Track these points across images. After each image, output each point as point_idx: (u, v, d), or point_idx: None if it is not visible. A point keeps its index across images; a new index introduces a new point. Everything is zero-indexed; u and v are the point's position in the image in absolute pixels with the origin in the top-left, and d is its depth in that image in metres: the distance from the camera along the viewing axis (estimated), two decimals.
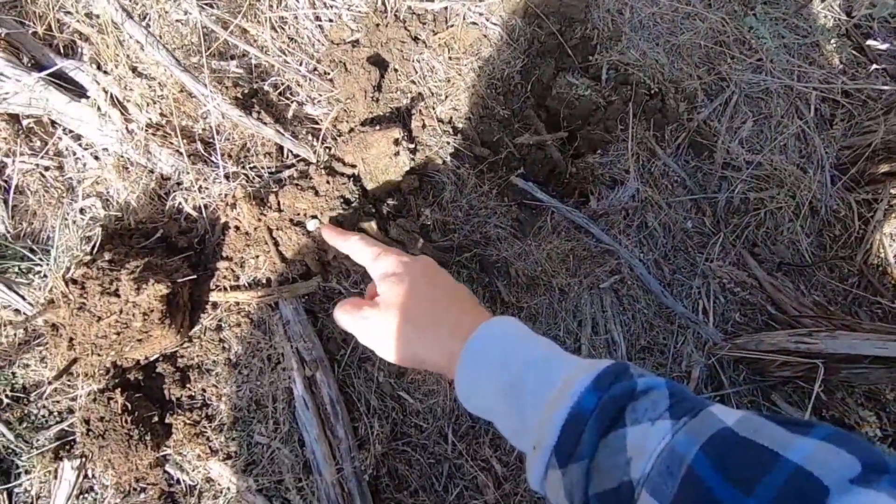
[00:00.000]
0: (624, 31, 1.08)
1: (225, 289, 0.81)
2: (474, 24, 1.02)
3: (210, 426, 0.77)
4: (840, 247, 1.03)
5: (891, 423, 0.89)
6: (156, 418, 0.75)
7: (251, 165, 0.85)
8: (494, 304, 0.88)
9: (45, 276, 0.79)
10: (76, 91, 0.83)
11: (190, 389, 0.78)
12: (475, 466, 0.80)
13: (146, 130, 0.82)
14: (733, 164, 1.03)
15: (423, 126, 0.93)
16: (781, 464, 0.27)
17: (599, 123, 1.03)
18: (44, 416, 0.78)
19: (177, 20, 0.89)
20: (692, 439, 0.29)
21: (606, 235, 0.94)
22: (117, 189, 0.83)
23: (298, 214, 0.82)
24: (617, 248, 0.94)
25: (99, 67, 0.84)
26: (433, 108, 0.96)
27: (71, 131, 0.84)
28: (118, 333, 0.70)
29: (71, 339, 0.70)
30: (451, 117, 0.97)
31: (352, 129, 0.91)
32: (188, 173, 0.82)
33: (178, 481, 0.77)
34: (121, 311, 0.69)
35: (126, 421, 0.71)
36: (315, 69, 0.94)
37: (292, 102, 0.91)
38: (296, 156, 0.88)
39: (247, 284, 0.81)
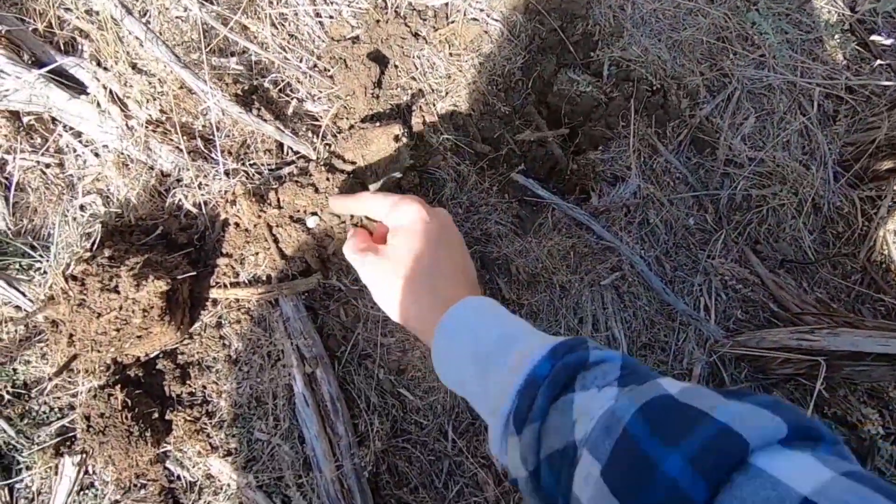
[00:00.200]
0: (626, 27, 1.08)
1: (225, 285, 0.81)
2: (475, 20, 1.01)
3: (210, 423, 0.77)
4: (843, 244, 1.02)
5: (893, 420, 0.88)
6: (156, 415, 0.75)
7: (251, 162, 0.85)
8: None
9: (45, 272, 0.79)
10: (76, 88, 0.83)
11: (190, 386, 0.78)
12: (475, 463, 0.80)
13: (146, 127, 0.82)
14: (735, 160, 1.03)
15: (424, 123, 0.93)
16: (708, 422, 0.28)
17: (601, 120, 1.02)
18: (44, 413, 0.78)
19: (176, 16, 0.89)
20: (632, 403, 0.31)
21: (607, 232, 0.94)
22: (117, 186, 0.83)
23: (298, 211, 0.82)
24: (618, 245, 0.93)
25: (99, 64, 0.84)
26: (434, 105, 0.96)
27: (71, 128, 0.84)
28: (118, 330, 0.70)
29: (71, 336, 0.70)
30: (452, 114, 0.97)
31: (352, 126, 0.91)
32: (188, 170, 0.82)
33: (178, 477, 0.77)
34: (121, 308, 0.69)
35: (126, 417, 0.72)
36: (315, 66, 0.93)
37: (292, 99, 0.91)
38: (296, 152, 0.88)
39: (247, 281, 0.81)
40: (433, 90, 0.97)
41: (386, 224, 0.51)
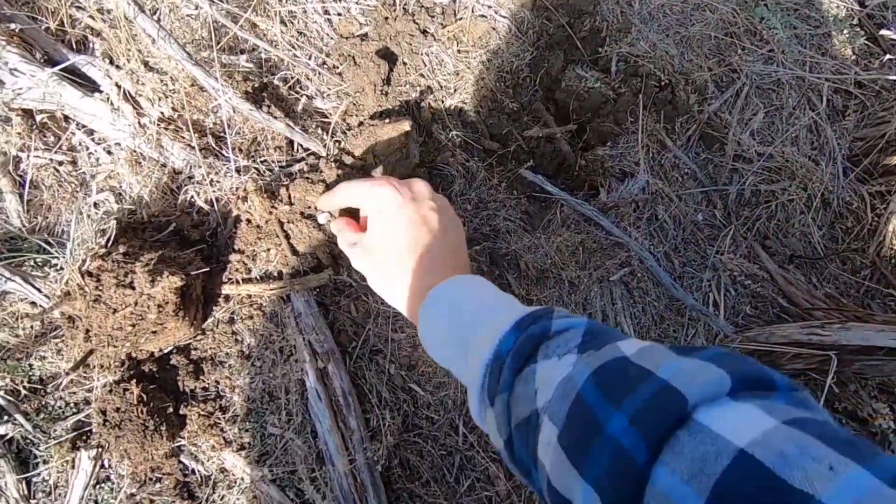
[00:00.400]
0: (633, 23, 1.08)
1: (237, 282, 0.81)
2: (483, 16, 1.01)
3: (224, 417, 0.78)
4: (852, 239, 1.02)
5: None
6: (170, 409, 0.76)
7: (262, 159, 0.86)
8: None
9: (60, 268, 0.80)
10: (89, 86, 0.84)
11: (203, 381, 0.79)
12: (486, 458, 0.80)
13: (158, 125, 0.83)
14: (744, 156, 1.02)
15: (433, 119, 0.94)
16: (651, 380, 0.28)
17: (609, 116, 1.02)
18: (61, 407, 0.79)
19: (187, 14, 0.90)
20: (587, 367, 0.31)
21: (616, 228, 0.94)
22: (130, 183, 0.83)
23: (309, 207, 0.83)
24: (627, 241, 0.93)
25: (111, 62, 0.85)
26: (442, 102, 0.96)
27: (84, 126, 0.85)
28: (133, 325, 0.71)
29: (87, 331, 0.71)
30: (461, 110, 0.97)
31: (361, 123, 0.91)
32: (200, 167, 0.82)
33: (192, 471, 0.78)
34: (136, 304, 0.70)
35: (141, 412, 0.72)
36: (324, 63, 0.94)
37: (302, 96, 0.91)
38: (306, 149, 0.89)
39: (259, 277, 0.82)
40: (442, 87, 0.97)
41: (365, 212, 0.53)
